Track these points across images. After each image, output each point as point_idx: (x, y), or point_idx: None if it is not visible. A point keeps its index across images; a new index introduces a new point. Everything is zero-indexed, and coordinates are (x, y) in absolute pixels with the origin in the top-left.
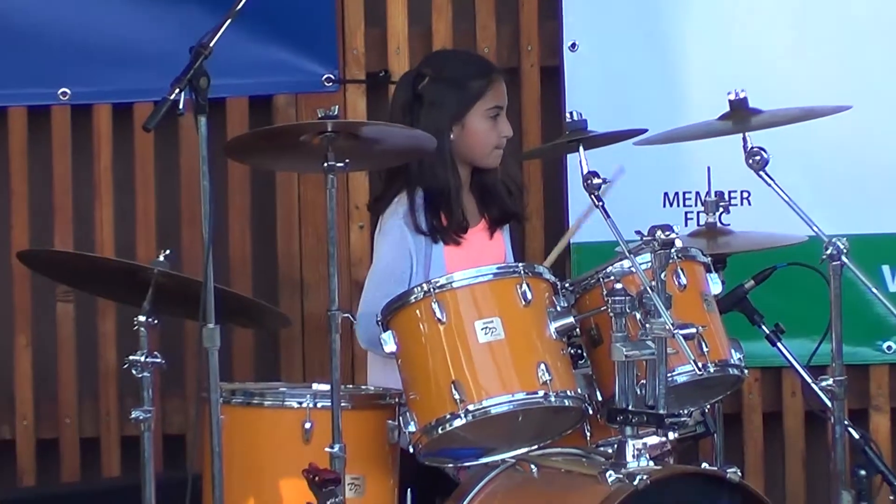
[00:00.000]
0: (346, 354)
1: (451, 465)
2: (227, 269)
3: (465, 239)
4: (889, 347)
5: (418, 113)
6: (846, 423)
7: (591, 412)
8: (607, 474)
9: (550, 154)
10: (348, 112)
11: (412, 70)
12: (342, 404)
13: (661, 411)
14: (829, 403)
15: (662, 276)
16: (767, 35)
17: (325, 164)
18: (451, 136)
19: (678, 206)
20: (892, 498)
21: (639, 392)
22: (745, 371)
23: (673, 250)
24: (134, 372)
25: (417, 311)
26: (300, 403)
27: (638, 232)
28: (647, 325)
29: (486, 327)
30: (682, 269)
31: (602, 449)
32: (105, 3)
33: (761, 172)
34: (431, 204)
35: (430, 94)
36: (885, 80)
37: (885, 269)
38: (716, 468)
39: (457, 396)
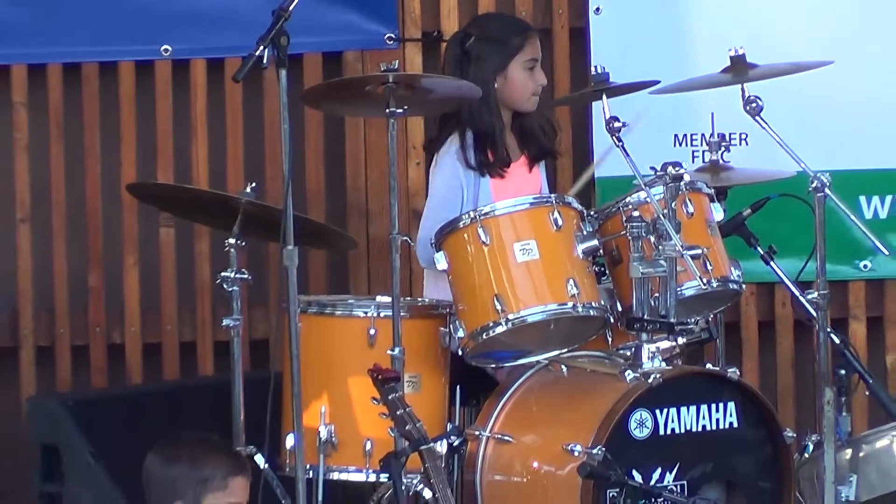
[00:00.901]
0: (404, 271)
1: (493, 366)
2: (303, 199)
3: (508, 173)
4: (865, 266)
5: (467, 67)
6: (828, 330)
7: (612, 321)
8: (626, 373)
9: (578, 102)
10: (406, 66)
11: (460, 31)
12: (401, 314)
13: (672, 320)
14: (814, 313)
15: (673, 205)
16: None
17: (387, 111)
18: (496, 85)
19: (686, 145)
20: (867, 393)
21: (653, 304)
22: (743, 286)
23: (682, 183)
24: (225, 286)
25: (465, 235)
26: (366, 313)
27: (652, 168)
28: (660, 247)
29: (523, 248)
30: (689, 200)
31: (621, 352)
32: None
33: (757, 117)
34: (479, 143)
35: (477, 51)
36: (863, 37)
37: (862, 199)
38: (718, 368)
39: (498, 307)
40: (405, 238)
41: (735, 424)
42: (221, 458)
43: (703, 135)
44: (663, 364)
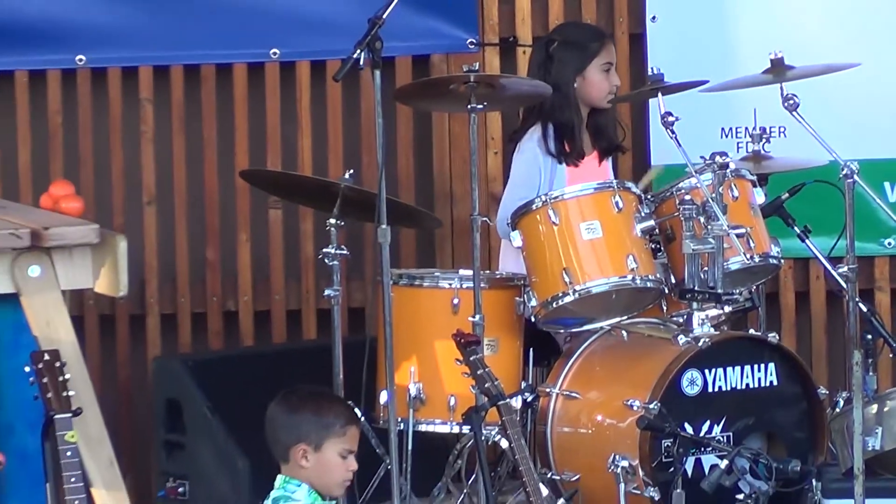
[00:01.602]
0: (483, 248)
1: (561, 331)
2: (395, 184)
3: (582, 163)
4: (889, 243)
5: (549, 68)
6: (857, 300)
7: (666, 291)
8: (679, 338)
9: (636, 99)
10: (485, 67)
11: (545, 36)
12: (481, 285)
13: (719, 291)
14: (844, 285)
15: (720, 189)
16: (800, 5)
17: (469, 106)
18: (575, 84)
19: (732, 137)
20: (891, 356)
21: (702, 276)
22: (782, 261)
23: (728, 170)
24: (326, 261)
25: (538, 216)
26: (450, 284)
27: (702, 157)
28: (709, 227)
29: (588, 228)
30: (734, 185)
31: (675, 319)
32: None
33: (794, 113)
34: (559, 135)
35: (559, 54)
36: (886, 40)
37: (887, 184)
38: (759, 333)
39: (566, 280)
40: (484, 219)
41: (774, 383)
42: (340, 408)
43: (746, 128)
44: (711, 329)
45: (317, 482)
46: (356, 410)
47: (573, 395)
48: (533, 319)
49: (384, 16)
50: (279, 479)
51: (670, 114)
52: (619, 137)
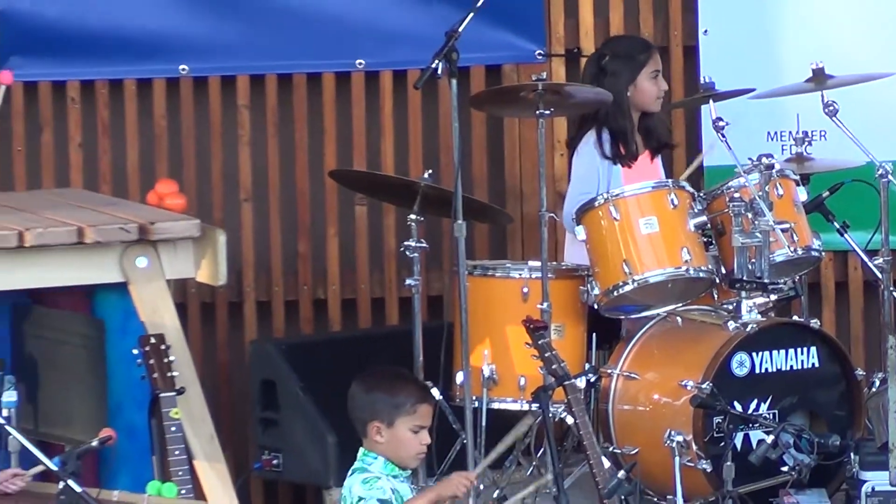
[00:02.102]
0: (551, 241)
1: (622, 317)
2: (470, 183)
3: (635, 163)
4: None
5: (602, 80)
6: (891, 289)
7: (717, 281)
8: (728, 323)
9: (689, 105)
10: (552, 76)
11: (596, 51)
12: (549, 275)
13: (766, 280)
14: (879, 275)
15: (766, 188)
16: (839, 19)
17: (537, 112)
18: (628, 93)
19: (777, 140)
20: None
21: (750, 267)
22: (823, 253)
23: (773, 171)
24: (407, 253)
25: (600, 212)
26: (520, 275)
27: (749, 158)
28: (756, 222)
29: (646, 223)
30: (779, 184)
31: (725, 306)
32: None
33: (833, 118)
34: (613, 139)
35: (611, 67)
36: None
37: None
38: (802, 320)
39: (626, 270)
40: (551, 215)
41: (816, 365)
42: (412, 388)
43: (790, 132)
44: (759, 316)
45: (392, 455)
46: (434, 389)
47: (632, 375)
48: (596, 306)
49: (460, 29)
50: (360, 451)
51: (721, 119)
52: (667, 135)
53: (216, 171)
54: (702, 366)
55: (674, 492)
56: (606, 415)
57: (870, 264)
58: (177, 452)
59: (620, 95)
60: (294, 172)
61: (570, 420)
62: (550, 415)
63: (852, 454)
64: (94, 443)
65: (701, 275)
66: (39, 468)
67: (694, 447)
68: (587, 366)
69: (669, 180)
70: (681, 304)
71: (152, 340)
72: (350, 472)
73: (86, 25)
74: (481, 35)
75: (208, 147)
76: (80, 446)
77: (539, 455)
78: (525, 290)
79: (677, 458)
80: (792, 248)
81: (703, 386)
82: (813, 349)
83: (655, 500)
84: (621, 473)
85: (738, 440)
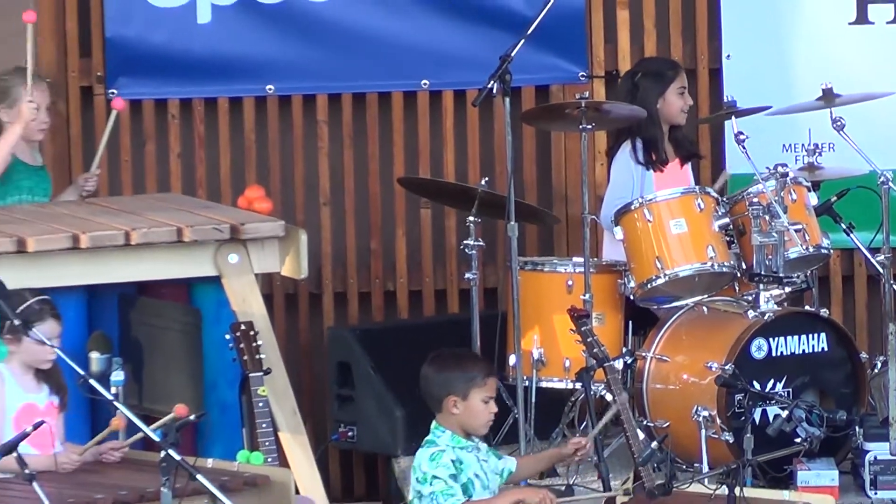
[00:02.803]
0: (592, 240)
1: (655, 307)
2: (521, 188)
3: (666, 169)
4: None
5: (635, 94)
6: (891, 282)
7: (738, 275)
8: (748, 312)
9: (714, 121)
10: (593, 95)
11: (630, 69)
12: (590, 270)
13: (781, 275)
14: (881, 270)
15: (781, 193)
16: (846, 45)
17: (580, 127)
18: (658, 106)
19: (791, 151)
20: None
21: (767, 263)
22: (831, 251)
23: (787, 178)
24: (466, 250)
25: (635, 215)
26: (565, 269)
27: (767, 167)
28: (773, 223)
29: (676, 224)
30: (793, 190)
31: (745, 297)
32: (448, 27)
33: (841, 132)
34: (646, 147)
35: (643, 83)
36: None
37: None
38: (813, 309)
39: (659, 266)
40: (593, 217)
41: (825, 349)
42: (481, 364)
43: (802, 144)
44: (775, 306)
45: (466, 425)
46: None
47: (664, 358)
48: (632, 297)
49: (512, 54)
50: (433, 425)
51: (742, 133)
52: (695, 147)
53: (298, 178)
54: (725, 349)
55: (700, 460)
56: (641, 392)
57: (872, 261)
58: (263, 425)
59: (651, 108)
60: (367, 179)
61: (608, 397)
62: (592, 392)
63: (857, 427)
64: (192, 417)
65: (724, 269)
66: (137, 436)
67: (718, 421)
68: (624, 349)
69: (697, 186)
70: (706, 296)
71: (242, 327)
72: (422, 444)
73: (185, 50)
74: (531, 59)
75: (291, 157)
76: (179, 420)
77: (582, 428)
78: (569, 282)
79: (703, 431)
80: (804, 247)
81: (726, 367)
82: (822, 335)
83: (684, 467)
84: (654, 444)
85: (757, 415)
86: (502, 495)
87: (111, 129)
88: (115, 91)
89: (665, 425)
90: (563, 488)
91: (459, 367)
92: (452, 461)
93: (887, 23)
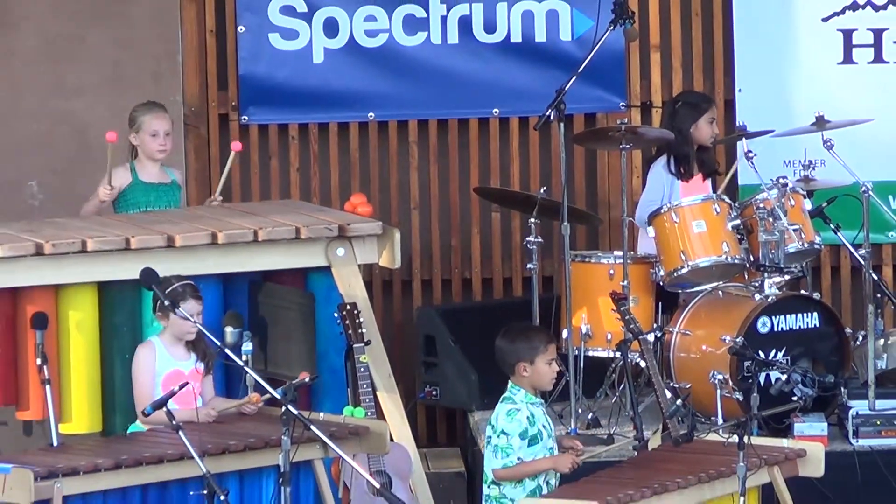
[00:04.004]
0: (630, 238)
1: (679, 291)
2: (573, 196)
3: (691, 180)
4: (892, 234)
5: (675, 118)
6: (870, 271)
7: (747, 266)
8: (755, 295)
9: (728, 142)
10: (631, 121)
11: (674, 97)
12: (628, 261)
13: (782, 266)
14: (863, 262)
15: (782, 200)
16: (835, 81)
17: (620, 146)
18: (691, 130)
19: (790, 166)
20: (892, 308)
21: (771, 256)
22: (822, 246)
23: (787, 188)
24: (528, 246)
25: (664, 217)
26: (608, 261)
27: (771, 179)
28: (775, 224)
29: (697, 224)
30: (792, 197)
31: (753, 283)
32: (514, 66)
33: (830, 151)
34: (677, 161)
35: (682, 110)
36: (893, 98)
37: (890, 197)
38: (808, 293)
39: (683, 258)
40: (630, 219)
41: (817, 325)
42: (542, 334)
43: (799, 160)
44: (777, 290)
45: (535, 384)
46: None
47: (687, 332)
48: (661, 283)
49: (566, 87)
50: (509, 385)
51: (751, 151)
52: (716, 166)
53: (393, 187)
54: (736, 325)
55: (716, 414)
56: (668, 360)
57: (855, 254)
58: (364, 386)
59: (685, 130)
60: (448, 189)
61: (642, 364)
62: (629, 360)
63: (842, 388)
64: (306, 379)
65: (736, 261)
66: (266, 396)
67: (730, 383)
68: (655, 326)
69: (714, 195)
70: (721, 282)
71: (347, 307)
72: (501, 399)
73: (302, 85)
74: (581, 92)
75: (388, 171)
76: (296, 381)
77: (621, 388)
78: (611, 272)
79: (718, 391)
80: (801, 243)
81: (737, 340)
82: (815, 314)
83: (703, 420)
84: (679, 402)
85: (762, 378)
86: (540, 461)
87: (230, 165)
88: (246, 118)
89: (687, 386)
90: (605, 437)
91: (526, 338)
92: (527, 417)
93: (868, 63)
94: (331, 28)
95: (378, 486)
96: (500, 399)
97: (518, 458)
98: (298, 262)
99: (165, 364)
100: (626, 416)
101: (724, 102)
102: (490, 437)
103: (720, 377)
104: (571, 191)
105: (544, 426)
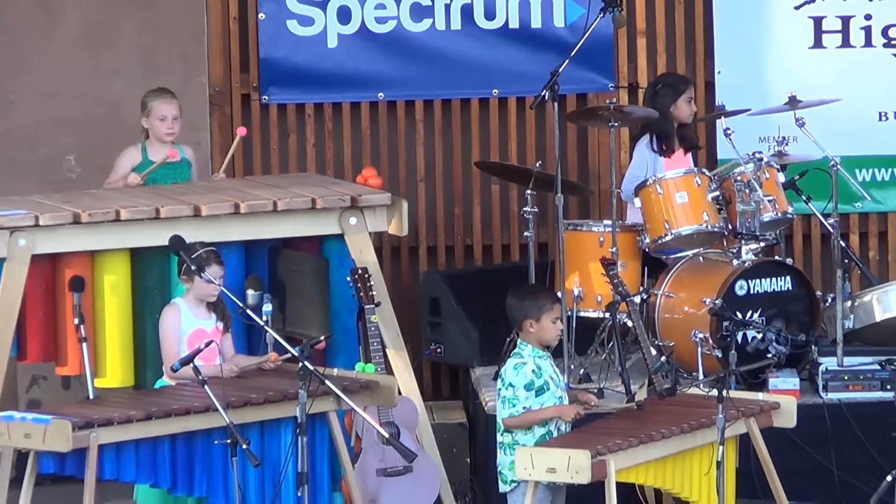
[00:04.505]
0: (618, 208)
1: (664, 257)
2: (566, 169)
3: (673, 155)
4: (858, 205)
5: (656, 99)
6: (839, 238)
7: (726, 234)
8: (733, 261)
9: (709, 120)
10: (619, 100)
11: (654, 80)
12: (616, 230)
13: (758, 233)
14: (831, 230)
15: (758, 173)
16: (807, 63)
17: (609, 124)
18: (671, 109)
19: (765, 142)
20: (858, 272)
21: (748, 224)
22: (794, 215)
23: (762, 162)
24: (525, 215)
25: (650, 189)
26: (598, 229)
27: (747, 154)
28: (751, 195)
29: (680, 195)
30: (766, 171)
31: (731, 250)
32: (512, 50)
33: (802, 128)
34: (659, 139)
35: (662, 91)
36: (860, 82)
37: (856, 170)
38: (781, 259)
39: (667, 227)
40: (618, 190)
41: (790, 288)
42: (547, 294)
43: (773, 137)
44: (753, 256)
45: (541, 339)
46: None
47: (670, 295)
48: (647, 250)
49: (560, 70)
50: (518, 341)
51: (729, 128)
52: (696, 140)
53: (401, 161)
54: (715, 288)
55: (697, 370)
56: (653, 320)
57: (825, 223)
58: (375, 344)
59: (666, 110)
60: (452, 163)
61: (630, 323)
62: (617, 320)
63: (813, 346)
64: (321, 338)
65: (715, 229)
66: (286, 356)
67: (710, 341)
68: (641, 288)
69: (695, 168)
70: (702, 249)
71: (359, 271)
72: (510, 356)
73: (318, 67)
74: (573, 74)
75: (396, 146)
76: (312, 340)
77: (610, 346)
78: (601, 239)
79: (699, 349)
80: (775, 213)
81: (717, 302)
82: (788, 278)
83: (685, 375)
84: (663, 358)
85: (739, 337)
86: (545, 409)
87: (235, 148)
88: (266, 98)
89: (671, 344)
90: (596, 391)
91: (533, 297)
92: (533, 371)
93: (836, 47)
94: (344, 15)
95: (387, 435)
96: (511, 354)
97: (525, 408)
98: (314, 230)
99: (190, 323)
100: (614, 371)
101: (704, 84)
102: (500, 389)
103: (701, 336)
104: (564, 165)
105: (551, 377)
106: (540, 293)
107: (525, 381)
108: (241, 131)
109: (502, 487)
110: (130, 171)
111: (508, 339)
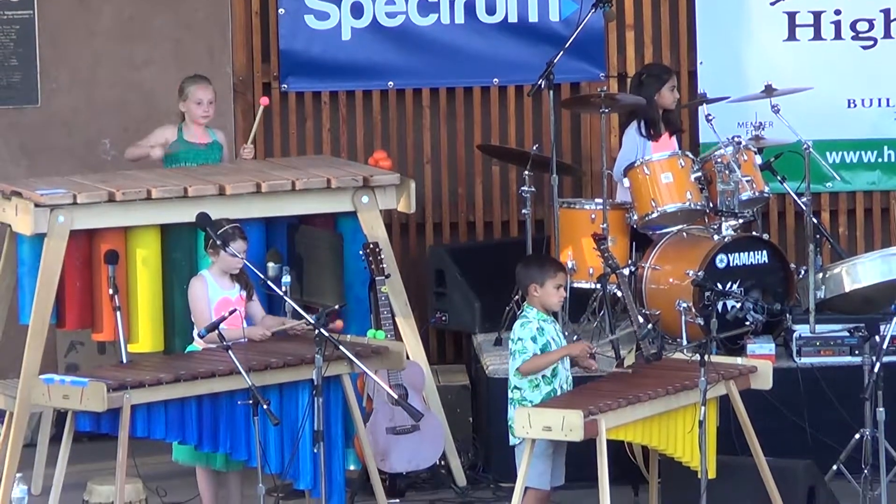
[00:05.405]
0: (609, 187)
1: (651, 233)
2: (560, 152)
3: (660, 140)
4: (829, 185)
5: (641, 88)
6: (811, 216)
7: (707, 211)
8: (714, 236)
9: (691, 106)
10: (609, 89)
11: (639, 70)
12: (607, 208)
13: (736, 211)
14: (804, 208)
15: (736, 156)
16: (781, 54)
17: (601, 110)
18: (656, 97)
19: (744, 127)
20: (829, 247)
21: (727, 203)
22: (770, 194)
23: (741, 145)
24: (523, 194)
25: (638, 170)
26: (590, 207)
27: (727, 137)
28: (731, 175)
29: (665, 176)
30: (744, 153)
31: (712, 226)
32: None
33: (777, 115)
34: (646, 125)
35: (647, 80)
36: (830, 72)
37: (828, 153)
38: (758, 234)
39: (653, 205)
40: (609, 171)
41: (766, 261)
42: (552, 263)
43: (751, 122)
44: (732, 231)
45: (544, 304)
46: None
47: (657, 267)
48: (635, 226)
49: (555, 60)
50: (524, 305)
51: (710, 114)
52: (680, 125)
53: (409, 145)
54: (698, 261)
55: (681, 336)
56: (641, 291)
57: (798, 201)
58: (385, 312)
59: (651, 98)
60: (456, 146)
61: (619, 293)
62: (608, 290)
63: (787, 315)
64: (336, 307)
65: (698, 207)
66: (303, 322)
67: (693, 310)
68: (629, 262)
69: (679, 151)
70: (686, 225)
71: (371, 245)
72: (517, 319)
73: (333, 58)
74: (567, 64)
75: (405, 131)
76: (327, 308)
77: (601, 314)
78: (593, 216)
79: (683, 317)
80: (752, 192)
81: (699, 273)
82: (764, 252)
83: (670, 341)
84: (650, 326)
85: (720, 306)
86: (556, 351)
87: (260, 117)
88: (286, 86)
89: (657, 313)
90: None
91: (539, 265)
92: (537, 329)
93: (809, 40)
94: (357, 10)
95: (396, 396)
96: (518, 319)
97: (535, 353)
98: (329, 208)
99: (215, 293)
100: (605, 337)
101: (687, 73)
102: (511, 348)
103: (685, 305)
104: (559, 148)
105: (553, 339)
106: (546, 261)
107: (531, 334)
108: (263, 101)
109: (512, 440)
110: (159, 146)
111: (507, 308)
